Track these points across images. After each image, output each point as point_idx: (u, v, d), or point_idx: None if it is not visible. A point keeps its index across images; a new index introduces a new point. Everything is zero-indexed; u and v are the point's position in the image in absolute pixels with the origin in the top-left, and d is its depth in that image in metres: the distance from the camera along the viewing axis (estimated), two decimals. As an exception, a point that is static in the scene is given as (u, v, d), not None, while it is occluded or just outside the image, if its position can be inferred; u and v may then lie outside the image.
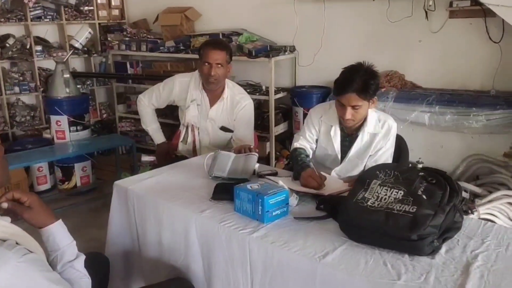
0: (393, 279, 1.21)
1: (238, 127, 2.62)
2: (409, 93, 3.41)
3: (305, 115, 3.94)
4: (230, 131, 2.66)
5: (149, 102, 2.74)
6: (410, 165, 2.60)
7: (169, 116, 4.09)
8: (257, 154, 2.06)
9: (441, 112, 3.19)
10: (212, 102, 2.63)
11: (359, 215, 1.41)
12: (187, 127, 2.69)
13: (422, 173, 1.55)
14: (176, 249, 1.75)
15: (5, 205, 1.18)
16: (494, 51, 3.18)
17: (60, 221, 1.25)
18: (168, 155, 2.82)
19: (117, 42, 4.71)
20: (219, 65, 2.48)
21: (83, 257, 1.26)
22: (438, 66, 3.48)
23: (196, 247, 1.67)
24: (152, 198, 1.83)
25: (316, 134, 2.17)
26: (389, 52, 3.61)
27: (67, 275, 1.19)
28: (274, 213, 1.57)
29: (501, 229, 1.49)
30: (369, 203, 1.44)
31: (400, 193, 1.45)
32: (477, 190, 3.12)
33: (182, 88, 2.65)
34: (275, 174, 2.03)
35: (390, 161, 2.11)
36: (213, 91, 2.60)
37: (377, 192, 1.48)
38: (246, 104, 2.62)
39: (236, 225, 1.55)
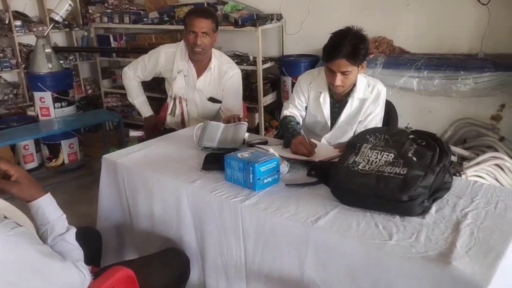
0: (384, 239, 1.22)
1: (227, 97, 2.59)
2: (397, 59, 3.39)
3: (293, 84, 3.89)
4: (219, 102, 2.63)
5: (134, 74, 2.68)
6: (399, 130, 2.61)
7: (156, 89, 4.03)
8: (246, 123, 2.04)
9: (430, 77, 3.18)
10: (199, 73, 2.58)
11: (350, 179, 1.41)
12: (174, 99, 2.65)
13: (412, 136, 1.55)
14: (168, 220, 1.74)
15: None
16: (482, 13, 3.16)
17: (49, 195, 1.23)
18: (156, 128, 2.78)
19: (98, 14, 4.57)
20: (205, 34, 2.42)
21: (74, 229, 1.25)
22: (426, 31, 3.45)
23: (188, 218, 1.67)
24: (142, 171, 1.81)
25: (305, 101, 2.15)
26: (377, 18, 3.56)
27: (58, 248, 1.18)
28: (265, 181, 1.57)
29: (490, 188, 1.51)
30: (360, 166, 1.43)
31: (391, 156, 1.44)
32: (465, 153, 3.16)
33: (168, 59, 2.59)
34: (265, 143, 2.02)
35: (380, 126, 2.11)
36: (200, 62, 2.55)
37: (367, 155, 1.47)
38: (233, 74, 2.58)
39: (228, 194, 1.55)
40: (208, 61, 2.56)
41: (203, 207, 1.59)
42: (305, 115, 2.20)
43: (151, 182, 1.76)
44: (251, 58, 3.91)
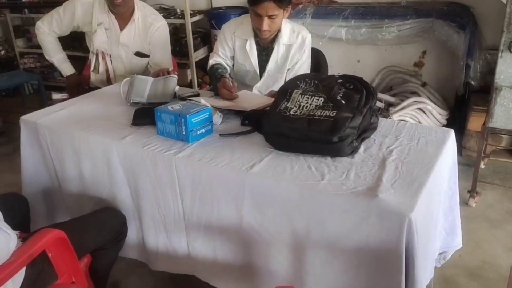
0: (317, 179, 1.26)
1: (154, 51, 2.47)
2: (326, 9, 3.41)
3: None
4: (146, 56, 2.51)
5: (49, 29, 2.47)
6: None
7: (78, 48, 3.76)
8: (176, 76, 1.97)
9: (357, 26, 3.25)
10: (122, 26, 2.43)
11: (282, 124, 1.42)
12: (97, 55, 2.49)
13: (340, 80, 1.58)
14: (100, 180, 1.68)
15: None
16: (403, -39, 3.23)
17: None
18: (80, 87, 2.61)
19: (4, -35, 4.12)
20: None
21: None
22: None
23: (120, 175, 1.61)
24: (67, 130, 1.71)
25: (230, 51, 2.12)
26: (304, -33, 3.52)
27: None
28: (198, 132, 1.54)
29: (412, 127, 1.59)
30: (291, 112, 1.44)
31: (321, 100, 1.47)
32: (391, 99, 3.32)
33: (86, 11, 2.40)
34: (197, 95, 1.97)
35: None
36: (121, 13, 2.39)
37: (298, 101, 1.49)
38: (160, 26, 2.46)
39: (160, 147, 1.51)
40: (131, 13, 2.41)
41: (136, 163, 1.54)
42: (233, 66, 2.18)
43: (77, 141, 1.67)
44: (178, 11, 3.75)
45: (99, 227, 1.52)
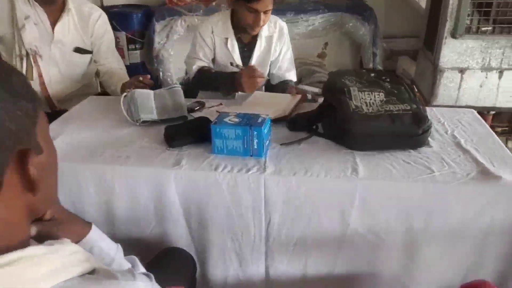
0: (428, 173, 1.27)
1: (100, 45, 2.12)
2: (240, 5, 3.38)
3: (129, 40, 3.47)
4: (88, 52, 2.11)
5: None
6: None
7: None
8: (179, 86, 1.71)
9: (276, 22, 3.31)
10: (53, 19, 1.99)
11: (364, 124, 1.38)
12: (27, 57, 1.98)
13: (373, 74, 1.62)
14: (140, 218, 1.38)
15: (34, 230, 0.75)
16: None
17: (93, 225, 0.81)
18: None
19: None
20: None
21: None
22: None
23: (176, 208, 1.35)
24: (87, 165, 1.34)
25: (210, 53, 2.00)
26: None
27: None
28: (266, 144, 1.39)
29: (430, 112, 1.72)
30: (364, 110, 1.42)
31: (382, 95, 1.48)
32: (315, 89, 3.49)
33: (2, 4, 1.91)
34: (203, 105, 1.76)
35: (293, 63, 2.14)
36: (51, 4, 1.97)
37: (362, 98, 1.46)
38: (100, 15, 2.12)
39: (235, 167, 1.31)
40: (62, 3, 2.00)
41: (206, 190, 1.31)
42: (214, 67, 2.04)
43: (109, 177, 1.33)
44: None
45: (173, 276, 1.25)
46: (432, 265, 1.31)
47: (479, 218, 1.23)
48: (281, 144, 1.45)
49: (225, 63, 1.99)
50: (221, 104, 1.78)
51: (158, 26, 3.43)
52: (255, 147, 1.35)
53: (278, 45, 2.06)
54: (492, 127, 1.87)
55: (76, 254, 0.59)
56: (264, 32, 2.00)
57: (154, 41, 3.44)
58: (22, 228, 0.60)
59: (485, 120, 1.71)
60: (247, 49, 2.03)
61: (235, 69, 1.85)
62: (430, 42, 2.57)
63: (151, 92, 1.66)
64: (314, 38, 3.66)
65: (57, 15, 1.99)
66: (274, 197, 1.29)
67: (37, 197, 0.59)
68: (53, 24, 1.99)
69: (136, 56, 3.55)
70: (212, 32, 1.98)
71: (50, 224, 0.79)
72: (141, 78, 1.81)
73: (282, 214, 1.32)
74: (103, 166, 1.34)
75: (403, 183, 1.25)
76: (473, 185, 1.23)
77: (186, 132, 1.44)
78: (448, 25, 2.36)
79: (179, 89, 1.68)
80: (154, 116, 1.59)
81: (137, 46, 3.54)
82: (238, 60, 2.00)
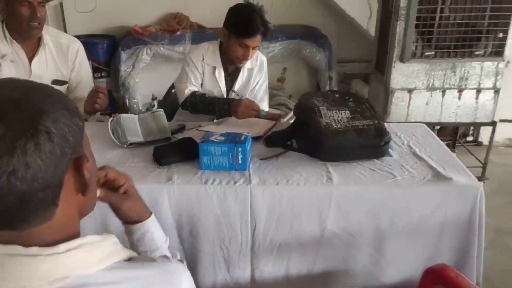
0: (391, 178, 1.48)
1: (79, 76, 2.18)
2: (203, 34, 3.56)
3: (96, 69, 3.54)
4: (65, 82, 2.17)
5: None
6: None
7: None
8: (162, 110, 1.84)
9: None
10: (30, 54, 2.04)
11: (335, 138, 1.57)
12: None
13: (337, 94, 1.83)
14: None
15: (103, 193, 0.88)
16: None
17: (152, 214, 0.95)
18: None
19: None
20: (41, 3, 1.92)
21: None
22: (222, 5, 3.72)
23: (169, 221, 1.46)
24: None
25: (200, 78, 2.12)
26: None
27: None
28: (249, 159, 1.55)
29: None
30: (334, 126, 1.61)
31: (347, 112, 1.68)
32: (277, 111, 3.69)
33: None
34: (183, 127, 1.89)
35: (267, 93, 2.32)
36: (29, 41, 2.02)
37: (331, 116, 1.66)
38: (79, 47, 2.19)
39: (223, 180, 1.46)
40: (38, 38, 2.05)
41: (197, 202, 1.44)
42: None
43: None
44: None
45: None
46: (398, 257, 1.50)
47: (435, 214, 1.44)
48: (261, 159, 1.61)
49: (211, 89, 2.15)
50: (200, 125, 1.92)
51: (124, 55, 3.54)
52: (240, 162, 1.50)
53: (257, 77, 2.22)
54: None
55: (116, 244, 0.71)
56: (247, 64, 2.15)
57: (120, 70, 3.55)
58: (75, 223, 0.71)
59: (432, 134, 1.96)
60: (230, 78, 2.18)
61: (236, 96, 2.02)
62: (381, 66, 2.87)
63: (135, 116, 1.78)
64: (274, 64, 3.89)
65: (34, 50, 2.04)
66: (260, 205, 1.44)
67: (86, 198, 0.71)
68: (31, 59, 2.04)
69: (102, 84, 3.62)
70: (203, 59, 2.11)
71: (120, 196, 0.90)
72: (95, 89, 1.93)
73: (266, 220, 1.47)
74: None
75: (371, 187, 1.45)
76: (429, 186, 1.44)
77: (174, 151, 1.57)
78: (396, 51, 2.65)
79: (162, 113, 1.81)
80: (140, 138, 1.71)
81: (103, 74, 3.63)
82: (223, 88, 2.15)
